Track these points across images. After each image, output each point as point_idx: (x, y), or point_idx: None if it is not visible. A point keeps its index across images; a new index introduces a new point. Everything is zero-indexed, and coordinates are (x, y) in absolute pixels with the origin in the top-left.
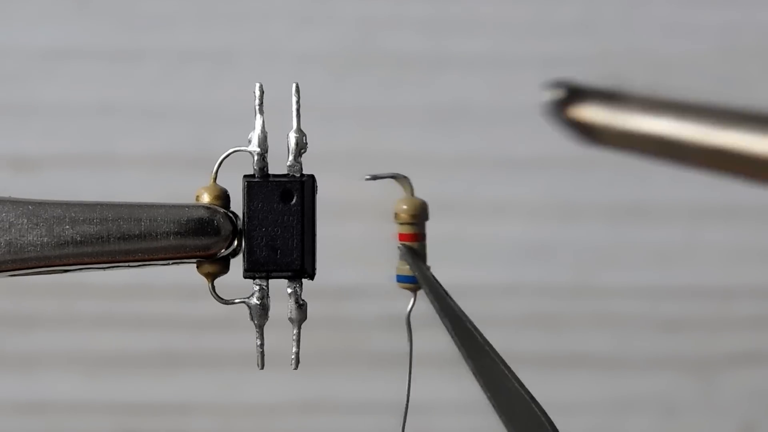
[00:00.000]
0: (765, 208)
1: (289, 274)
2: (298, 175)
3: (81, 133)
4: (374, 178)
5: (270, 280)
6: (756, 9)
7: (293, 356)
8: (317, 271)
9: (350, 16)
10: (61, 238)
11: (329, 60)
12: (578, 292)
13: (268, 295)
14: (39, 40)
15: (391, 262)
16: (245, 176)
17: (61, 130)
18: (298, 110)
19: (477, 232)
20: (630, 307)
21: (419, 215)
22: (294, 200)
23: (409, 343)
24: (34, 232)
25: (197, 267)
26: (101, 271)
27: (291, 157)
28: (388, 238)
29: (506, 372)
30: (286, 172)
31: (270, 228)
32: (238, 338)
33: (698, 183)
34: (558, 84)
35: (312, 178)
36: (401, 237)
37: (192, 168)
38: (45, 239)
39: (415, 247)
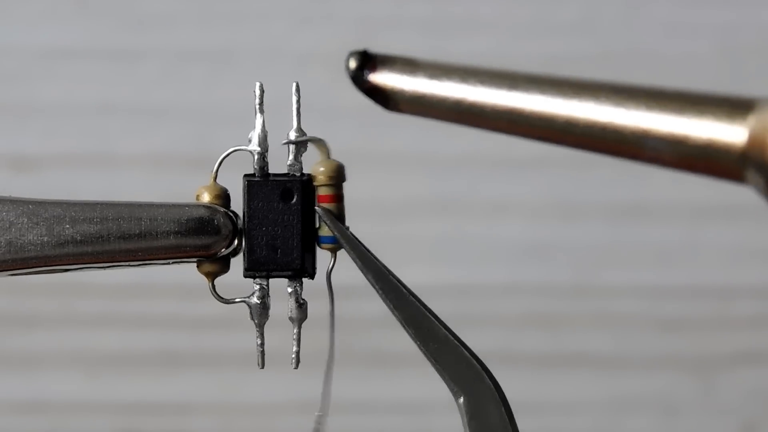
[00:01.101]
0: (765, 208)
1: (290, 273)
2: (299, 174)
3: (81, 133)
4: (291, 143)
5: (270, 280)
6: (756, 9)
7: (293, 356)
8: (317, 271)
9: (350, 16)
10: (61, 237)
11: (329, 60)
12: (578, 292)
13: (268, 294)
14: (39, 40)
15: (392, 262)
16: (245, 175)
17: (61, 130)
18: (298, 110)
19: (477, 231)
20: (630, 307)
21: (336, 176)
22: (294, 200)
23: (330, 303)
24: (34, 232)
25: (197, 266)
26: (101, 271)
27: (291, 157)
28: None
29: (434, 320)
30: (286, 171)
31: (270, 227)
32: (238, 338)
33: (698, 183)
34: (355, 53)
35: (312, 177)
36: (320, 199)
37: (192, 167)
38: (45, 239)
39: (332, 209)
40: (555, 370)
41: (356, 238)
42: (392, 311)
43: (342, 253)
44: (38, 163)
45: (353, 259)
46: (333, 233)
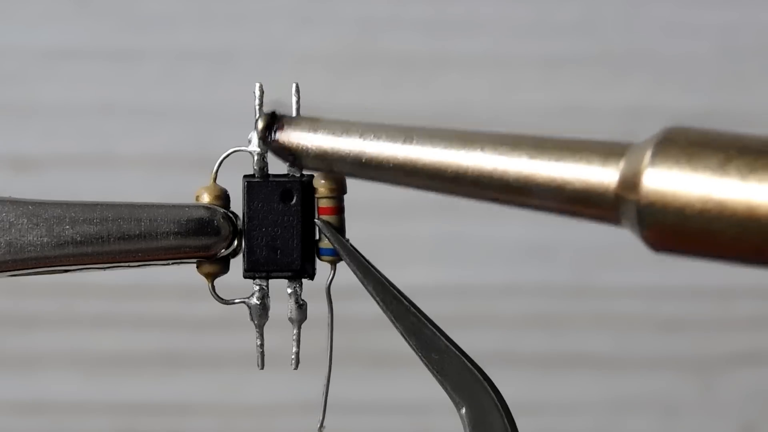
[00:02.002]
0: None
1: (289, 274)
2: (298, 175)
3: (81, 133)
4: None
5: (270, 280)
6: (756, 9)
7: (293, 356)
8: (317, 271)
9: (350, 16)
10: (61, 238)
11: (329, 60)
12: (578, 292)
13: (268, 295)
14: (39, 40)
15: (392, 262)
16: (245, 176)
17: (61, 130)
18: (298, 110)
19: (477, 231)
20: (630, 307)
21: (337, 189)
22: (294, 200)
23: (329, 315)
24: (34, 232)
25: (197, 267)
26: (101, 271)
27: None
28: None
29: (435, 331)
30: (286, 172)
31: (270, 228)
32: (238, 338)
33: None
34: (263, 114)
35: (312, 178)
36: (320, 211)
37: (192, 168)
38: (45, 239)
39: (332, 221)
40: (555, 370)
41: (356, 251)
42: (393, 322)
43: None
44: (38, 163)
45: (353, 271)
46: (333, 246)
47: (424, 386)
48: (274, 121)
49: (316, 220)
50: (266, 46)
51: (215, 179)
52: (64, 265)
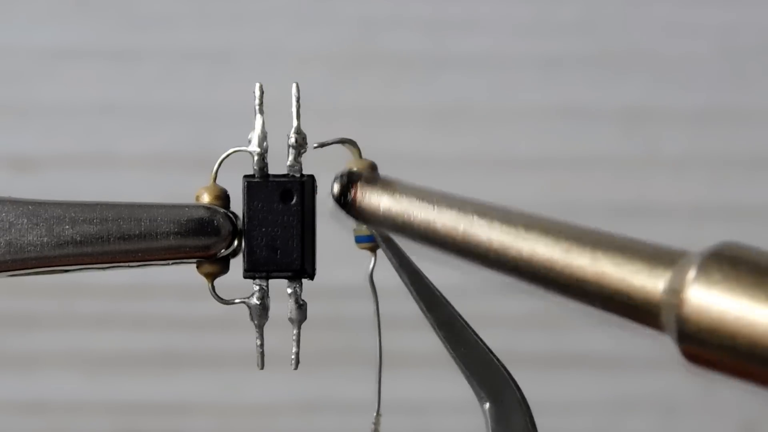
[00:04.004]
0: (765, 208)
1: (289, 274)
2: (298, 175)
3: (81, 133)
4: (322, 145)
5: (270, 280)
6: (756, 9)
7: (293, 356)
8: (317, 271)
9: (350, 16)
10: (61, 238)
11: (329, 60)
12: None
13: (268, 295)
14: (39, 40)
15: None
16: (245, 176)
17: (61, 130)
18: (298, 110)
19: None
20: None
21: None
22: (294, 200)
23: (374, 303)
24: (34, 232)
25: (197, 267)
26: (101, 271)
27: (291, 157)
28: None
29: (465, 325)
30: (286, 172)
31: (270, 228)
32: (238, 338)
33: (698, 183)
34: (340, 175)
35: (312, 178)
36: None
37: (192, 168)
38: (45, 239)
39: None
40: (555, 370)
41: (394, 238)
42: (424, 313)
43: (342, 250)
44: (38, 163)
45: (389, 258)
46: (371, 232)
47: (424, 386)
48: (350, 184)
49: None
50: (266, 46)
51: (215, 179)
52: (64, 265)
